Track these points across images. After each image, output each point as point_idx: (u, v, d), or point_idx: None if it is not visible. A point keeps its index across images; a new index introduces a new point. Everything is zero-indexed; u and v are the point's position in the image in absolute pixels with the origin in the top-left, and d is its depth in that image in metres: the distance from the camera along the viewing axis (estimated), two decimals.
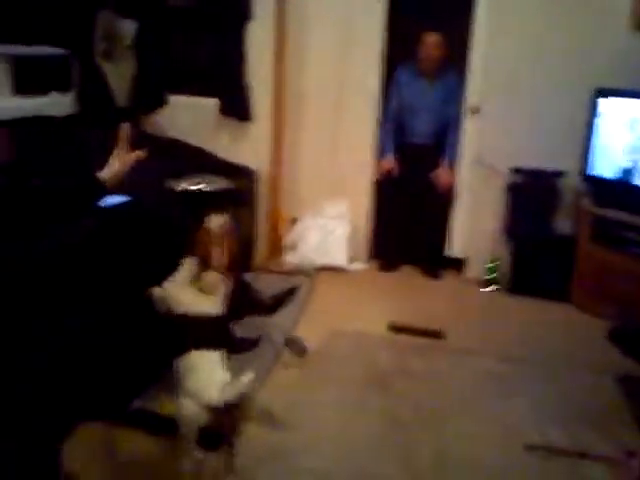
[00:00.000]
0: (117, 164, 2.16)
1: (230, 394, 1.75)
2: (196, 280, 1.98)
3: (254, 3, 3.63)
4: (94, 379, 2.07)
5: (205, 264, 1.98)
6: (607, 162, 3.53)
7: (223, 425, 1.82)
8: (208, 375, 1.83)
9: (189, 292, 1.98)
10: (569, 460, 2.21)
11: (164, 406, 2.17)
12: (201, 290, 1.97)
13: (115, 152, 2.17)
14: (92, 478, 1.95)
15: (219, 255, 1.97)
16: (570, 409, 2.56)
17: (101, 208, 2.13)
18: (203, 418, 1.76)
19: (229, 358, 1.91)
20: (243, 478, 1.98)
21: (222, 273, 1.97)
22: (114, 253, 2.20)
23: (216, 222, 2.03)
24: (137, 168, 2.30)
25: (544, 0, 3.61)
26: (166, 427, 1.89)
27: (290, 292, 2.72)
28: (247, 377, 1.76)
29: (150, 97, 3.80)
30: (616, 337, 3.15)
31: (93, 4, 3.41)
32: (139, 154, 2.21)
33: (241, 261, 2.15)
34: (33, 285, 1.91)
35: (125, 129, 2.21)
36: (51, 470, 1.74)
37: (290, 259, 3.93)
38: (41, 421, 1.83)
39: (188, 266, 2.01)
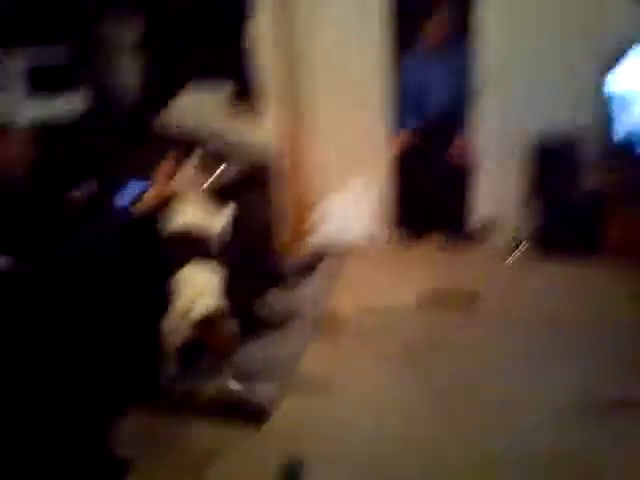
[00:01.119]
0: (153, 196, 2.23)
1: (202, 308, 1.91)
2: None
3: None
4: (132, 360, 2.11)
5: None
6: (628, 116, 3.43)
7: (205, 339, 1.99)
8: (198, 288, 1.97)
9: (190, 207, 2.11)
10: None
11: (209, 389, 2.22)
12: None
13: (154, 184, 2.24)
14: (146, 465, 1.97)
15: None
16: (609, 372, 2.48)
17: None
18: (182, 332, 1.93)
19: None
20: (285, 445, 2.04)
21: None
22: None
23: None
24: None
25: None
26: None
27: (316, 259, 2.71)
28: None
29: (159, 93, 3.82)
30: None
31: (102, 5, 3.44)
32: (174, 189, 2.28)
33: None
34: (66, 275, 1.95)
35: (168, 164, 2.27)
36: (103, 455, 1.78)
37: (315, 239, 3.91)
38: (89, 406, 1.88)
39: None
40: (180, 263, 2.01)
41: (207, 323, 1.93)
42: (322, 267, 2.80)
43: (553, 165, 3.70)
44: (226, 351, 2.09)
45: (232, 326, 2.06)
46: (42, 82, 3.12)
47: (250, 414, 2.19)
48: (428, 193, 3.98)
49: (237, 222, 3.07)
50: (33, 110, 3.01)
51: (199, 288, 1.95)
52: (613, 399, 2.27)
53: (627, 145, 3.43)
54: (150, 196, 2.26)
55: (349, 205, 3.93)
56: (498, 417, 2.21)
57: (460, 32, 3.84)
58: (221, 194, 3.18)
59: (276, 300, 2.74)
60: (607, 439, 2.07)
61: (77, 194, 2.33)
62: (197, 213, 2.10)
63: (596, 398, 2.28)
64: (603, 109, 3.52)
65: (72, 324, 1.86)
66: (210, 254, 2.03)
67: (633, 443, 2.05)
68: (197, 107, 3.80)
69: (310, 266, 2.70)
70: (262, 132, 3.79)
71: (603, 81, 3.50)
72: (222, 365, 2.08)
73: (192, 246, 2.02)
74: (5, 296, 1.72)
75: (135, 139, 3.45)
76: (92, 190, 2.42)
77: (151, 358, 2.19)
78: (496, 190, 3.93)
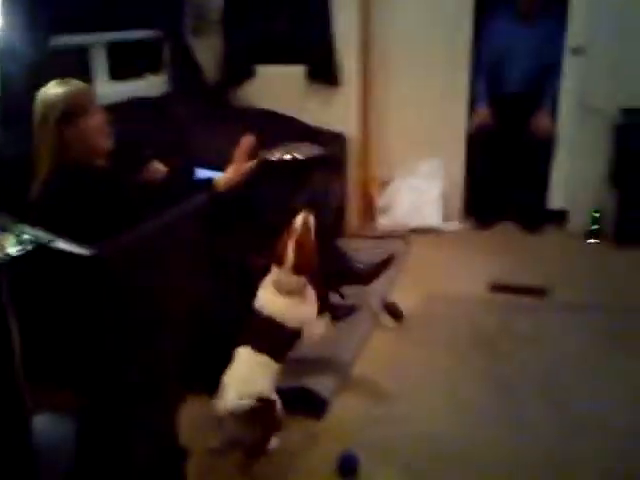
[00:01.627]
0: (233, 172, 2.26)
1: (238, 403, 1.78)
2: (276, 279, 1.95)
3: None
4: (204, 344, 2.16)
5: (280, 262, 1.93)
6: None
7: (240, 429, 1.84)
8: (242, 375, 1.85)
9: (269, 291, 1.96)
10: None
11: None
12: (279, 290, 1.94)
13: (235, 160, 2.27)
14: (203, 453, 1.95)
15: (293, 254, 1.91)
16: None
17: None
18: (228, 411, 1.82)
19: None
20: (346, 444, 1.98)
21: (297, 274, 1.92)
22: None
23: (298, 221, 1.96)
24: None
25: None
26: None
27: (388, 261, 2.69)
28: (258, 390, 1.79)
29: (238, 70, 3.85)
30: None
31: None
32: (253, 164, 2.29)
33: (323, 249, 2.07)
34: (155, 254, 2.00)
35: (247, 140, 2.28)
36: (165, 442, 1.84)
37: (383, 222, 3.89)
38: (163, 389, 1.96)
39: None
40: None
41: (254, 412, 1.82)
42: (394, 261, 2.74)
43: (637, 146, 3.50)
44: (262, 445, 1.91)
45: (278, 420, 1.91)
46: (126, 65, 3.21)
47: (310, 406, 2.17)
48: (504, 173, 3.87)
49: (313, 204, 3.10)
50: (117, 91, 3.10)
51: (251, 374, 1.87)
52: None
53: None
54: (229, 173, 2.29)
55: (420, 187, 3.86)
56: (570, 420, 2.12)
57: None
58: (297, 174, 3.23)
59: (344, 291, 2.74)
60: None
61: (159, 167, 2.38)
62: (283, 304, 1.95)
63: None
64: None
65: (148, 306, 1.93)
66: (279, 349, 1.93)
67: None
68: (275, 85, 3.82)
69: (384, 263, 2.66)
70: (337, 111, 3.76)
71: None
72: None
73: (265, 335, 1.92)
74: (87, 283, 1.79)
75: (215, 116, 3.52)
76: (174, 164, 2.48)
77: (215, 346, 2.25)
78: (574, 171, 3.76)
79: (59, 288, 1.75)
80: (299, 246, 1.90)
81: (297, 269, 1.89)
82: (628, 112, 3.51)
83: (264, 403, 1.82)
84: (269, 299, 1.94)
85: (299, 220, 1.94)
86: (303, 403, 2.16)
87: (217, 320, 2.18)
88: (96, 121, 2.03)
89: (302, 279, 1.91)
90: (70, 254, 1.71)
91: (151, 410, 1.81)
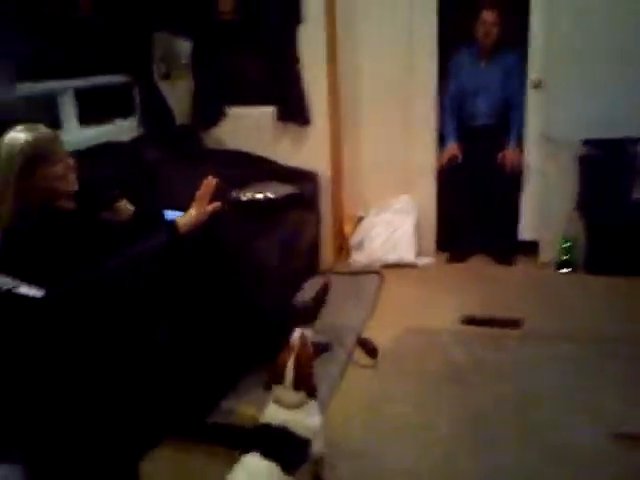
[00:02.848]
0: (195, 213, 2.27)
1: None
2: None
3: (303, 6, 3.64)
4: (175, 393, 2.15)
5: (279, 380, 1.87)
6: None
7: None
8: None
9: (272, 408, 1.88)
10: None
11: (240, 415, 2.23)
12: (282, 406, 1.87)
13: (196, 201, 2.27)
14: None
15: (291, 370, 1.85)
16: None
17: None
18: None
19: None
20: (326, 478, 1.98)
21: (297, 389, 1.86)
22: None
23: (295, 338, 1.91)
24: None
25: None
26: (243, 439, 1.91)
27: (323, 290, 2.64)
28: None
29: (209, 112, 3.89)
30: None
31: (149, 27, 3.53)
32: (216, 206, 2.30)
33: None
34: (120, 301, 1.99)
35: (210, 182, 2.29)
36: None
37: (358, 258, 3.91)
38: (123, 435, 1.92)
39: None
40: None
41: None
42: (363, 289, 2.74)
43: (602, 176, 3.57)
44: None
45: None
46: (96, 110, 3.24)
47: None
48: (475, 208, 3.91)
49: (286, 244, 3.11)
50: (87, 137, 3.12)
51: None
52: None
53: None
54: (190, 215, 2.28)
55: (393, 223, 3.89)
56: (543, 453, 2.12)
57: (513, 32, 3.75)
58: (270, 213, 3.25)
59: (317, 327, 2.72)
60: None
61: (127, 206, 2.37)
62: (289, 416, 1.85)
63: None
64: None
65: (107, 349, 1.91)
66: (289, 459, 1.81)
67: None
68: (246, 126, 3.86)
69: (321, 294, 2.63)
70: (309, 150, 3.80)
71: None
72: None
73: (275, 443, 1.81)
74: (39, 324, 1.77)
75: (187, 158, 3.55)
76: (142, 204, 2.47)
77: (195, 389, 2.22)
78: (544, 203, 3.83)
79: (19, 331, 1.74)
80: (298, 363, 1.86)
81: (297, 386, 1.86)
82: (589, 143, 3.58)
83: None
84: (274, 414, 1.87)
85: (296, 337, 1.91)
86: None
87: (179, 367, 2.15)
88: (60, 168, 2.02)
89: (303, 394, 1.87)
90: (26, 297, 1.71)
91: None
